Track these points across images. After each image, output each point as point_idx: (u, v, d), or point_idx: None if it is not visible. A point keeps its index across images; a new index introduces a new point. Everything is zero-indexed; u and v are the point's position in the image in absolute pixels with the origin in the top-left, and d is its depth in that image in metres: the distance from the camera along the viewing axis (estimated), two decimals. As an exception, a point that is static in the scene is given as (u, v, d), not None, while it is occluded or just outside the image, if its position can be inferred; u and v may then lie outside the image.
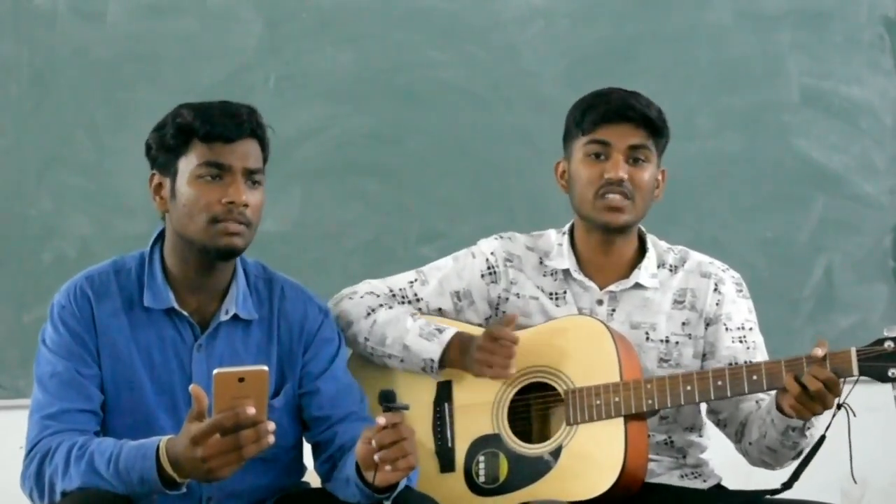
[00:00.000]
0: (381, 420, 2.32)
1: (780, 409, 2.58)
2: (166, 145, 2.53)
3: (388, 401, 2.36)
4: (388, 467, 2.33)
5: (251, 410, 2.17)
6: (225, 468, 2.23)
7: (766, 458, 2.70)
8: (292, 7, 3.94)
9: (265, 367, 2.19)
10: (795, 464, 2.66)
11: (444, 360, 2.73)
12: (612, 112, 2.73)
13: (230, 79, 3.86)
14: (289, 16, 3.93)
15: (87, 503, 2.33)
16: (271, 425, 2.21)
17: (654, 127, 2.75)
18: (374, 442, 2.33)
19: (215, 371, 2.17)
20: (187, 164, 2.51)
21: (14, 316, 3.80)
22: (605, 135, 2.73)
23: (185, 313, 2.56)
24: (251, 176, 2.53)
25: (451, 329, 2.75)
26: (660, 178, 2.80)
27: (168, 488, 2.31)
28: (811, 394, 2.49)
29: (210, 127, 2.50)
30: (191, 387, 2.25)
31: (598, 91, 2.80)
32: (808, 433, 2.61)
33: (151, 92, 3.83)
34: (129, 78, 3.86)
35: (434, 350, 2.72)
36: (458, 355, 2.72)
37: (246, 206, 2.50)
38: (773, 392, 2.62)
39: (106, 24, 3.87)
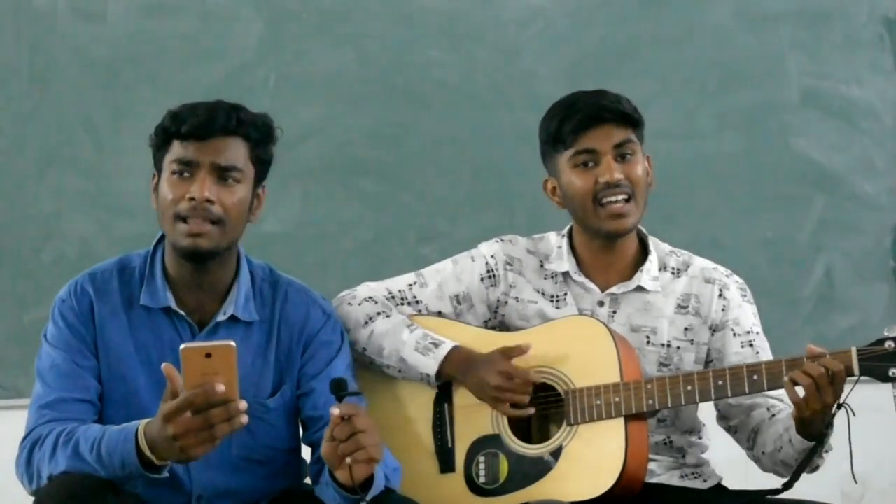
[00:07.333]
0: (335, 411, 2.29)
1: (798, 430, 2.57)
2: (155, 145, 2.57)
3: (339, 390, 2.32)
4: (347, 460, 2.30)
5: (220, 388, 2.15)
6: (197, 447, 2.19)
7: (778, 468, 2.69)
8: (292, 7, 3.93)
9: (232, 343, 2.17)
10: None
11: (441, 375, 2.73)
12: (588, 118, 2.69)
13: (230, 79, 3.86)
14: (289, 16, 3.93)
15: (70, 487, 2.32)
16: (243, 404, 2.17)
17: (632, 120, 2.73)
18: (334, 436, 2.31)
19: (182, 346, 2.16)
20: (167, 163, 2.54)
21: (14, 316, 3.79)
22: (589, 142, 2.70)
23: (182, 313, 2.57)
24: (223, 173, 2.52)
25: (447, 343, 2.73)
26: (647, 165, 2.76)
27: (148, 471, 2.28)
28: (816, 378, 2.47)
29: (181, 125, 2.51)
30: (163, 365, 2.21)
31: (564, 102, 2.75)
32: (825, 455, 2.60)
33: (151, 92, 3.82)
34: (129, 78, 3.86)
35: (430, 366, 2.72)
36: (456, 372, 2.72)
37: (211, 202, 2.49)
38: (784, 398, 2.61)
39: (106, 24, 3.87)
